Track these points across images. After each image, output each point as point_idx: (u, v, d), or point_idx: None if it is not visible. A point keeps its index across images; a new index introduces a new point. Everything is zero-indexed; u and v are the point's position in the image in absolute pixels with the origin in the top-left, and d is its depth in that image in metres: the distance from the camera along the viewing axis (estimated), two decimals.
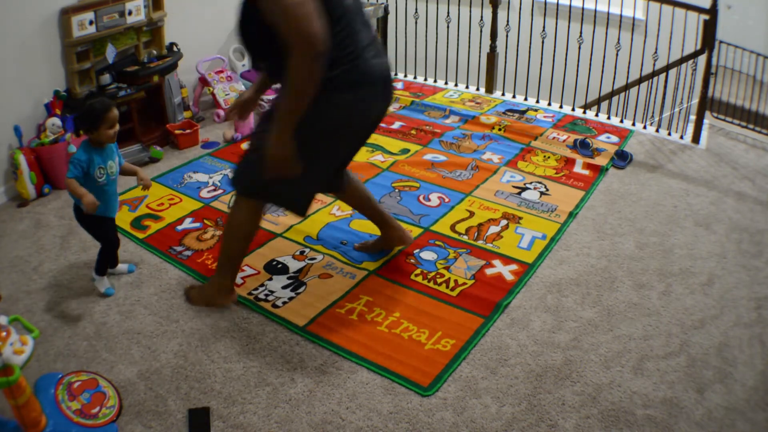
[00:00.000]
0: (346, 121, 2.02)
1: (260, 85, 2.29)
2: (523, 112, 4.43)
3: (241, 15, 1.91)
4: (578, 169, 3.58)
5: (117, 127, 2.35)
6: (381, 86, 2.05)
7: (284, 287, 2.57)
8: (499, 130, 4.10)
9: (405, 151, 3.83)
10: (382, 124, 4.22)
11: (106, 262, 2.55)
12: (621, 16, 4.61)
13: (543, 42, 4.47)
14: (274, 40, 1.79)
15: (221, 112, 4.35)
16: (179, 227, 3.02)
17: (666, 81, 4.12)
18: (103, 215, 2.41)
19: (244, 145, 2.16)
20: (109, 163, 2.39)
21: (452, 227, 2.99)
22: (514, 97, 4.79)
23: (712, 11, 3.64)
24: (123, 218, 3.09)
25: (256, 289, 2.56)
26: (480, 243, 2.87)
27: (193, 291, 2.48)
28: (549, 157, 3.71)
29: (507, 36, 4.62)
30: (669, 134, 4.13)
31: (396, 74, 5.49)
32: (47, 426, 1.82)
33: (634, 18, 4.47)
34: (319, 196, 3.27)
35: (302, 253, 2.80)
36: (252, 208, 2.19)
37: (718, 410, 1.97)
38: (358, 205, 2.63)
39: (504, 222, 3.03)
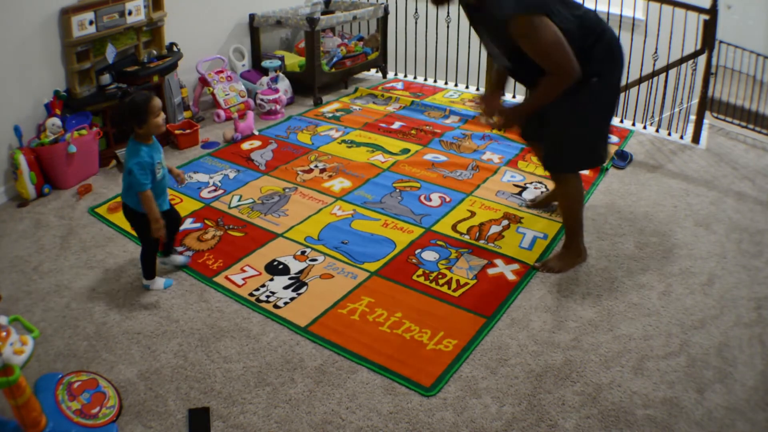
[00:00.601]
0: (617, 90, 2.50)
1: (498, 82, 2.70)
2: None
3: (493, 38, 2.34)
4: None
5: (163, 114, 2.35)
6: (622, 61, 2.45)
7: (285, 288, 2.57)
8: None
9: (405, 151, 3.83)
10: (382, 124, 4.24)
11: (153, 263, 2.53)
12: (621, 16, 4.61)
13: None
14: (527, 61, 2.23)
15: (221, 112, 4.35)
16: (180, 227, 3.01)
17: (666, 81, 4.12)
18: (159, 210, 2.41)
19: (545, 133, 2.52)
20: (162, 156, 2.40)
21: (454, 227, 2.99)
22: (514, 97, 4.80)
23: (712, 11, 3.64)
24: (124, 219, 3.09)
25: (257, 289, 2.56)
26: (481, 243, 2.87)
27: (552, 263, 2.67)
28: None
29: None
30: (669, 134, 4.13)
31: (396, 74, 5.49)
32: (47, 426, 1.82)
33: (634, 18, 4.47)
34: (320, 197, 3.27)
35: (303, 253, 2.80)
36: (578, 176, 2.60)
37: (718, 410, 1.97)
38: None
39: (505, 222, 3.03)
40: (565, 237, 2.71)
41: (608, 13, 4.52)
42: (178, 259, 2.70)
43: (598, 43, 2.30)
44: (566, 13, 2.23)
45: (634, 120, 4.30)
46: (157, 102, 2.32)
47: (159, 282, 2.56)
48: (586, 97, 2.34)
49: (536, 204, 3.18)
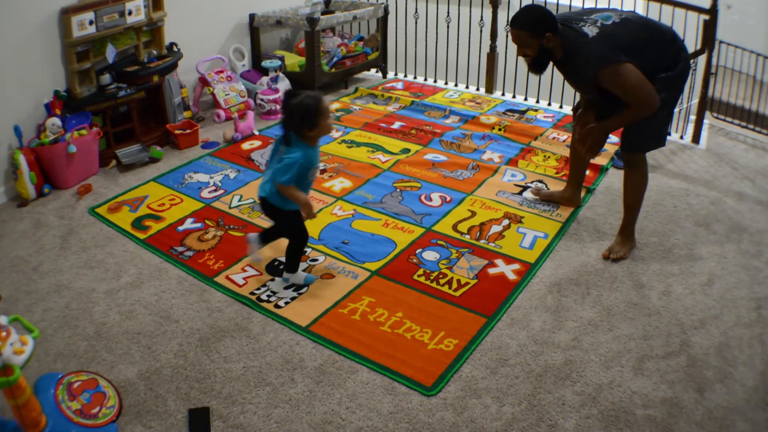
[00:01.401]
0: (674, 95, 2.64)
1: (587, 107, 2.85)
2: (523, 112, 4.43)
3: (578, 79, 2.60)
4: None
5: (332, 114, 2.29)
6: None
7: (286, 288, 2.57)
8: (499, 130, 4.10)
9: (405, 151, 3.83)
10: (382, 124, 4.24)
11: (299, 256, 2.54)
12: None
13: None
14: (612, 96, 2.48)
15: (221, 112, 4.35)
16: (180, 228, 3.02)
17: None
18: (294, 207, 2.40)
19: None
20: (319, 160, 2.39)
21: (454, 227, 2.99)
22: (514, 97, 4.80)
23: (712, 11, 3.64)
24: (124, 219, 3.10)
25: (258, 289, 2.56)
26: (482, 242, 2.87)
27: (618, 248, 2.78)
28: (549, 157, 3.72)
29: (507, 36, 4.62)
30: (669, 134, 4.12)
31: (396, 74, 5.49)
32: (47, 426, 1.82)
33: None
34: (320, 197, 3.27)
35: (304, 253, 2.80)
36: (645, 159, 2.71)
37: (718, 410, 1.97)
38: (575, 156, 3.08)
39: (506, 221, 3.03)
40: (624, 222, 2.79)
41: None
42: (257, 258, 2.70)
43: (673, 44, 2.52)
44: (639, 48, 2.44)
45: None
46: (327, 102, 2.26)
47: (300, 276, 2.55)
48: (670, 83, 2.52)
49: (539, 194, 3.22)
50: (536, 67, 2.55)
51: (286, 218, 2.46)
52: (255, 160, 3.72)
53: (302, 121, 2.24)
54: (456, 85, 5.11)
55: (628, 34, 2.45)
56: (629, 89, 2.41)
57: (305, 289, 2.56)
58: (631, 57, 2.40)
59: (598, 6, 4.34)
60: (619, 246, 2.80)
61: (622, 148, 2.72)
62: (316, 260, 2.75)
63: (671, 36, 2.53)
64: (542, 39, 2.45)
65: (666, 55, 2.50)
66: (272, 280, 2.62)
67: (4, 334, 1.69)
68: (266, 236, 2.61)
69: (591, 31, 2.44)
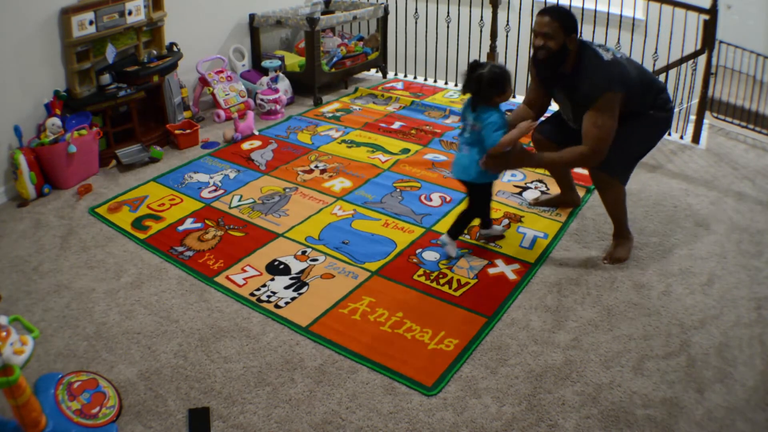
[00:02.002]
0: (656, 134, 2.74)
1: (548, 137, 2.92)
2: None
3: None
4: (578, 168, 3.57)
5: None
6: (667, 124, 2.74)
7: (286, 288, 2.57)
8: None
9: (405, 151, 3.83)
10: (382, 124, 4.24)
11: (466, 226, 2.77)
12: (621, 16, 4.61)
13: None
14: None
15: (221, 112, 4.35)
16: (180, 228, 3.02)
17: (666, 81, 4.12)
18: (494, 177, 2.69)
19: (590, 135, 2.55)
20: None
21: None
22: (514, 97, 4.79)
23: (712, 11, 3.64)
24: (124, 219, 3.10)
25: (258, 289, 2.56)
26: (482, 242, 2.87)
27: (617, 253, 2.77)
28: None
29: (507, 36, 4.62)
30: (669, 134, 4.12)
31: (396, 74, 5.49)
32: (47, 426, 1.82)
33: (634, 18, 4.47)
34: (320, 197, 3.27)
35: (304, 253, 2.80)
36: (619, 182, 2.71)
37: (718, 410, 1.97)
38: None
39: (506, 221, 3.03)
40: (615, 229, 2.81)
41: (608, 13, 4.53)
42: (497, 229, 2.90)
43: (662, 93, 2.64)
44: (640, 85, 2.54)
45: None
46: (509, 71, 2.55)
47: (453, 246, 2.75)
48: (655, 123, 2.63)
49: (539, 203, 3.20)
50: (550, 62, 2.52)
51: (482, 190, 2.71)
52: (255, 160, 3.72)
53: (492, 88, 2.46)
54: (456, 85, 5.11)
55: (636, 68, 2.56)
56: (606, 124, 2.44)
57: (305, 288, 2.56)
58: (630, 92, 2.47)
59: (598, 9, 4.35)
60: (618, 250, 2.78)
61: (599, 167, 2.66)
62: (316, 260, 2.75)
63: (662, 86, 2.66)
64: (568, 37, 2.47)
65: (654, 102, 2.61)
66: (272, 279, 2.62)
67: (4, 334, 1.69)
68: (457, 230, 2.78)
69: (606, 55, 2.48)
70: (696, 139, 3.97)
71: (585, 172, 3.52)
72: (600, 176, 2.65)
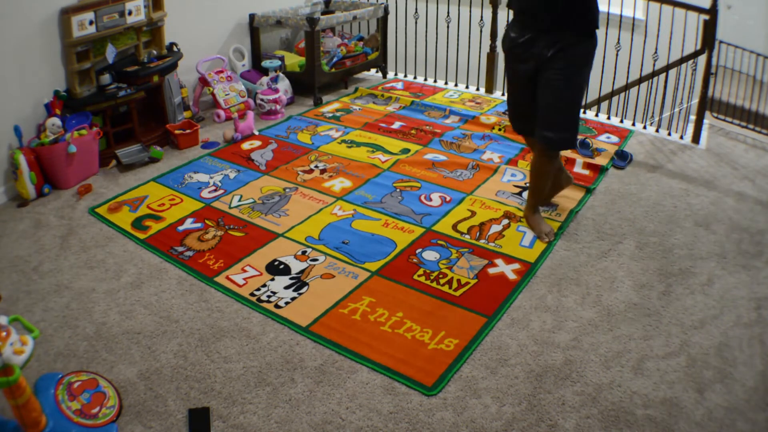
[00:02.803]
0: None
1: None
2: None
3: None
4: (578, 168, 3.58)
5: None
6: None
7: (286, 288, 2.57)
8: (499, 130, 4.10)
9: (405, 151, 3.83)
10: (382, 124, 4.24)
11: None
12: (621, 16, 4.61)
13: None
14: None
15: (221, 112, 4.35)
16: (180, 228, 3.02)
17: (666, 81, 4.12)
18: None
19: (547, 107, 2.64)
20: None
21: (454, 227, 2.99)
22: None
23: (712, 11, 3.64)
24: (124, 219, 3.10)
25: (258, 289, 2.56)
26: (482, 242, 2.87)
27: (543, 227, 2.91)
28: None
29: None
30: (669, 134, 4.13)
31: (396, 74, 5.49)
32: (47, 426, 1.82)
33: (634, 18, 4.47)
34: (320, 197, 3.27)
35: (304, 253, 2.80)
36: (556, 156, 2.82)
37: (718, 410, 1.97)
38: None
39: (505, 221, 3.03)
40: (533, 198, 2.93)
41: (608, 13, 4.52)
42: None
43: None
44: None
45: (634, 120, 4.30)
46: None
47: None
48: (586, 54, 2.64)
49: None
50: None
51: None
52: (255, 160, 3.72)
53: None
54: (456, 85, 5.11)
55: None
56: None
57: (305, 288, 2.56)
58: None
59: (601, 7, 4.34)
60: (543, 224, 2.93)
61: (538, 140, 2.72)
62: (316, 260, 2.75)
63: None
64: None
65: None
66: (272, 279, 2.62)
67: (4, 334, 1.69)
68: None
69: None
70: (696, 139, 3.97)
71: (586, 172, 3.53)
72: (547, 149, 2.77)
